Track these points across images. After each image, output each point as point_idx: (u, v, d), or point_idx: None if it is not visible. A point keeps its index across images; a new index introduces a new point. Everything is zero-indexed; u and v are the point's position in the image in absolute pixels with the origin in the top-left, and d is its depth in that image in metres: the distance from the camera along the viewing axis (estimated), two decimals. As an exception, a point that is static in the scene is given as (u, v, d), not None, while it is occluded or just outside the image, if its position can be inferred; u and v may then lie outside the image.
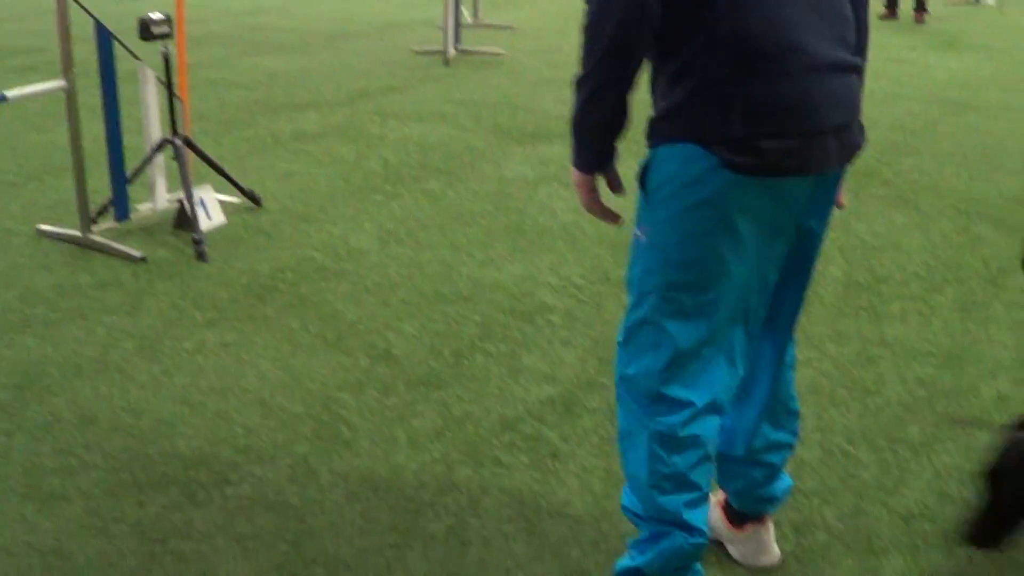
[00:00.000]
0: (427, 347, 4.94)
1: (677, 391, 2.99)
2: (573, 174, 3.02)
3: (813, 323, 5.15)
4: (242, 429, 4.32)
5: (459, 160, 7.43)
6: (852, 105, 2.91)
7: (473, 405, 4.49)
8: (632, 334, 3.02)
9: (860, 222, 6.35)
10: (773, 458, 3.38)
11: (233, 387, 4.61)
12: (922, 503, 3.92)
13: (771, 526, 3.59)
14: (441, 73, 10.33)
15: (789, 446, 3.42)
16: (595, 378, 4.68)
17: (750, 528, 3.57)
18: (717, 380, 3.02)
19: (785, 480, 3.50)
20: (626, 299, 3.03)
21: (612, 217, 3.07)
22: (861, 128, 2.98)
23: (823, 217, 3.08)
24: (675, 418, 2.99)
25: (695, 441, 3.01)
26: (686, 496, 3.05)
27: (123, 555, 3.62)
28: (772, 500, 3.51)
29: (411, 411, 4.44)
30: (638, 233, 2.96)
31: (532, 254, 5.92)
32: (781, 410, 3.34)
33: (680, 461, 3.01)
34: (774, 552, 3.61)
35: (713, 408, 3.03)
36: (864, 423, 4.39)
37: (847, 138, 2.90)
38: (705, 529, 3.10)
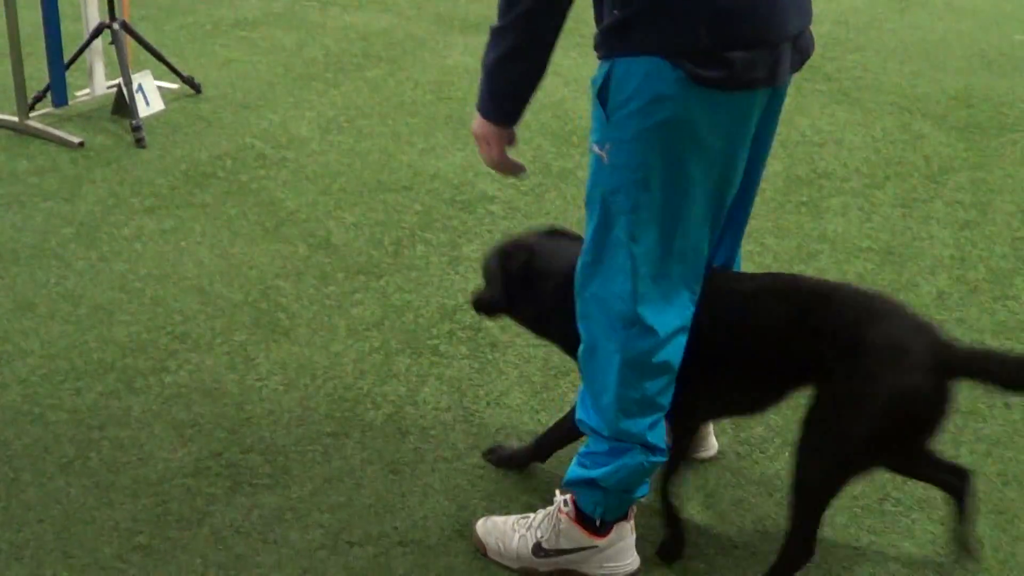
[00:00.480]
0: (367, 236, 4.92)
1: (650, 314, 2.89)
2: (479, 124, 2.92)
3: (754, 217, 5.10)
4: (180, 316, 4.30)
5: (401, 48, 7.36)
6: (808, 10, 2.86)
7: (412, 294, 4.49)
8: (601, 254, 2.89)
9: (802, 117, 6.35)
10: None
11: (171, 274, 4.58)
12: (858, 396, 3.95)
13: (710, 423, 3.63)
14: (384, -39, 10.23)
15: None
16: (535, 269, 4.68)
17: None
18: (688, 300, 2.96)
19: None
20: (584, 213, 2.92)
21: (519, 168, 3.03)
22: (811, 35, 2.92)
23: (773, 124, 3.03)
24: (648, 343, 2.90)
25: (666, 366, 2.96)
26: (651, 418, 3.01)
27: (60, 442, 3.62)
28: None
29: (350, 300, 4.44)
30: (598, 151, 2.79)
31: (473, 144, 5.85)
32: None
33: (650, 386, 2.97)
34: (712, 444, 3.66)
35: (683, 329, 2.96)
36: (802, 317, 4.41)
37: (802, 45, 2.86)
38: (664, 447, 3.07)
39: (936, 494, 3.48)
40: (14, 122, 5.85)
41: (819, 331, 2.92)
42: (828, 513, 3.39)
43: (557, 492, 3.24)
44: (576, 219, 4.96)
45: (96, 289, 4.47)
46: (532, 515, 3.28)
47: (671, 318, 2.92)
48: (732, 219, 3.14)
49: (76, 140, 5.70)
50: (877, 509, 3.47)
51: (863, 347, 2.84)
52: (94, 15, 6.06)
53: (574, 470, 3.14)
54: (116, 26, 5.96)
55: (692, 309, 2.97)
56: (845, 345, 2.87)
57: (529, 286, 3.27)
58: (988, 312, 4.53)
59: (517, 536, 3.25)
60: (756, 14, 2.66)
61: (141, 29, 6.33)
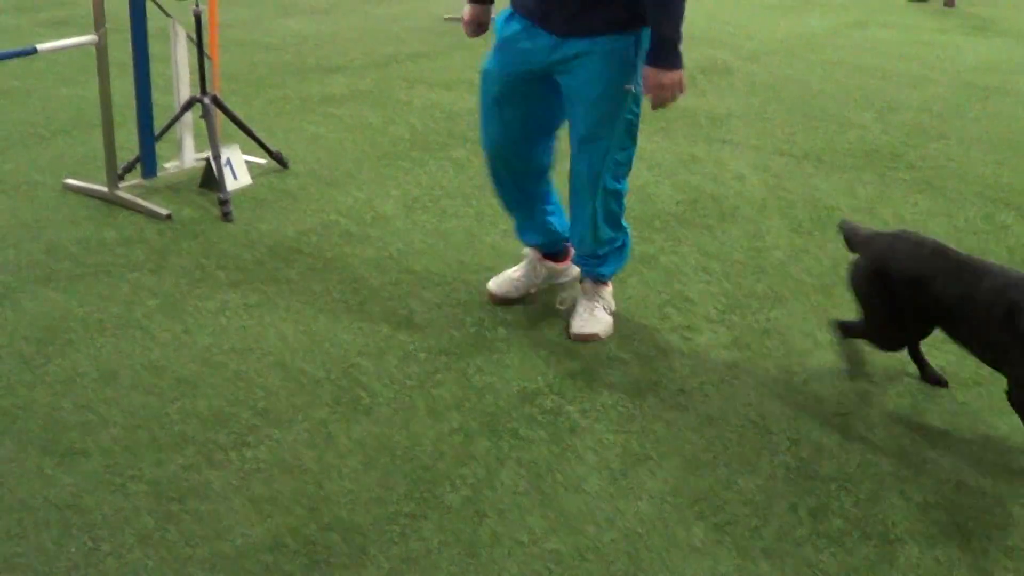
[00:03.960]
0: (449, 316, 4.94)
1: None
2: (674, 76, 4.31)
3: (836, 307, 5.14)
4: (262, 391, 4.33)
5: (486, 129, 7.41)
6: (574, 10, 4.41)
7: (493, 376, 4.50)
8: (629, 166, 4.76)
9: (885, 206, 6.33)
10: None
11: (254, 349, 4.62)
12: (939, 492, 3.92)
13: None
14: (470, 41, 10.26)
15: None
16: (616, 354, 4.68)
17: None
18: None
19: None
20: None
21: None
22: (592, 17, 4.40)
23: (575, 75, 4.52)
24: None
25: None
26: None
27: (139, 513, 3.64)
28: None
29: (431, 380, 4.45)
30: (632, 88, 4.51)
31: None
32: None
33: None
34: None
35: None
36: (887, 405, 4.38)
37: (567, 15, 4.41)
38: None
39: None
40: (104, 192, 5.94)
41: None
42: None
43: None
44: (656, 304, 4.96)
45: (179, 361, 4.51)
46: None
47: None
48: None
49: (164, 212, 5.77)
50: None
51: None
52: (185, 88, 6.15)
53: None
54: (207, 100, 6.05)
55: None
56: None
57: None
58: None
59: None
60: None
61: (231, 103, 6.43)
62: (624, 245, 4.96)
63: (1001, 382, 4.34)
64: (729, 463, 4.00)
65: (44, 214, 5.80)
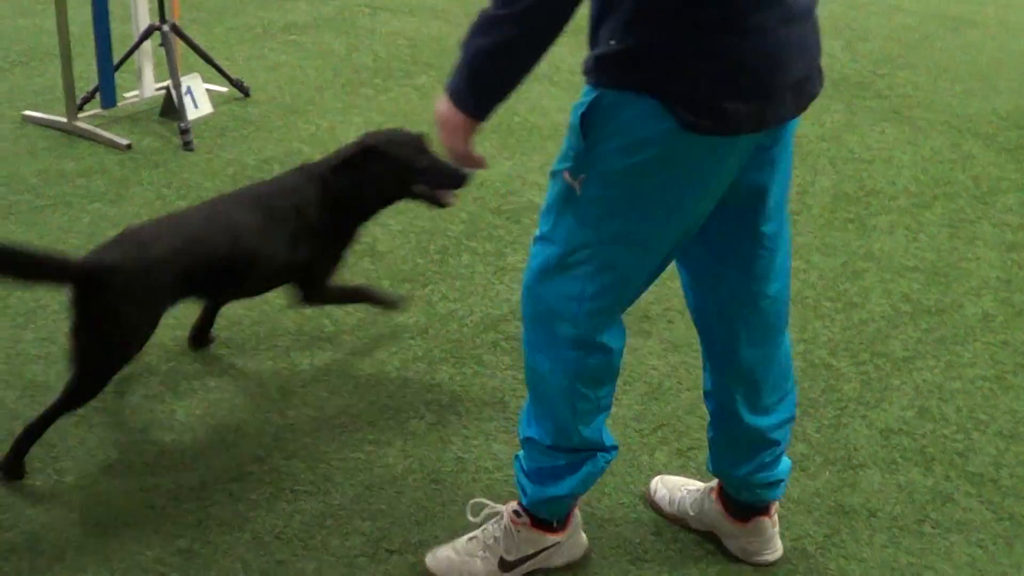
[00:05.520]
0: (413, 244, 4.92)
1: (601, 337, 2.87)
2: (450, 112, 2.68)
3: (800, 233, 5.13)
4: (225, 321, 4.30)
5: (450, 56, 7.28)
6: (815, 54, 2.70)
7: (457, 303, 4.49)
8: (555, 282, 2.84)
9: (852, 134, 6.32)
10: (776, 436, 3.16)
11: (217, 278, 4.58)
12: (901, 418, 3.94)
13: (775, 516, 3.31)
14: (434, -31, 10.24)
15: (789, 420, 3.18)
16: (580, 281, 4.67)
17: (753, 520, 3.29)
18: (620, 325, 2.94)
19: (785, 461, 3.27)
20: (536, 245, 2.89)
21: (482, 162, 2.80)
22: (820, 73, 2.74)
23: (773, 169, 2.81)
24: (600, 359, 2.90)
25: (614, 374, 2.99)
26: (602, 418, 3.04)
27: (104, 445, 3.65)
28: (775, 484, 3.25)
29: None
30: (571, 181, 2.70)
31: (520, 153, 5.88)
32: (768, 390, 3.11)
33: (603, 392, 2.98)
34: (777, 546, 3.34)
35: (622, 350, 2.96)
36: (847, 336, 4.40)
37: (807, 89, 2.69)
38: (613, 442, 3.13)
39: (976, 517, 3.47)
40: (63, 123, 5.88)
41: None
42: (867, 533, 3.38)
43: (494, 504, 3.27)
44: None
45: (142, 291, 4.48)
46: (478, 533, 3.23)
47: (616, 338, 2.92)
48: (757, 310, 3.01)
49: (124, 142, 5.72)
50: (916, 531, 3.44)
51: None
52: (144, 17, 6.08)
53: (534, 489, 3.10)
54: (166, 28, 5.98)
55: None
56: None
57: None
58: (1035, 335, 4.51)
59: (479, 560, 3.19)
60: (760, 63, 2.54)
61: (191, 31, 6.34)
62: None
63: (958, 308, 4.36)
64: (692, 389, 4.00)
65: (3, 146, 5.73)
